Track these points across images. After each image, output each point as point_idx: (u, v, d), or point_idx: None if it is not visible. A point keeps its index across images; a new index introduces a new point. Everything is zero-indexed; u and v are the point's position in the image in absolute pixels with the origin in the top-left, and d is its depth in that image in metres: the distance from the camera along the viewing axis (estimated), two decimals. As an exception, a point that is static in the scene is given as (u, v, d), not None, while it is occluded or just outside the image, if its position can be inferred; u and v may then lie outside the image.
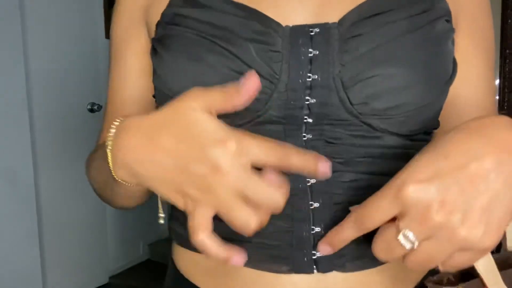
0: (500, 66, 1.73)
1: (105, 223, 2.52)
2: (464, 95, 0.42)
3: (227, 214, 0.29)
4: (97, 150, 0.43)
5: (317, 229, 0.38)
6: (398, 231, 0.28)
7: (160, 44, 0.40)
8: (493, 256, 0.33)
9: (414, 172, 0.28)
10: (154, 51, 0.41)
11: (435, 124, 0.43)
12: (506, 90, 1.73)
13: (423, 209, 0.27)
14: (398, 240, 0.28)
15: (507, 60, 1.72)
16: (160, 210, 0.38)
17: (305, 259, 0.38)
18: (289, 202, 0.36)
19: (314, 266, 0.38)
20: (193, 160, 0.28)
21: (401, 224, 0.28)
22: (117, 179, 0.33)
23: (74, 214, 2.29)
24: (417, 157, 0.29)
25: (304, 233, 0.38)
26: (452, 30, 0.40)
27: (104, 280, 2.49)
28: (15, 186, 1.91)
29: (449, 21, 0.40)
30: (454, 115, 0.43)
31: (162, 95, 0.40)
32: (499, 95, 1.74)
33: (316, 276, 0.38)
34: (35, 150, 2.07)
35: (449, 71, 0.39)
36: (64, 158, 2.23)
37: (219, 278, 0.41)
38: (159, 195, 0.33)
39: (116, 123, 0.33)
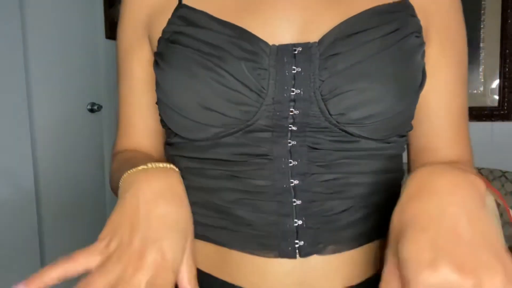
0: (500, 66, 1.73)
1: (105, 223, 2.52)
2: (434, 100, 0.47)
3: None
4: (120, 167, 0.47)
5: (299, 222, 0.43)
6: None
7: (161, 58, 0.45)
8: None
9: (415, 274, 0.28)
10: (156, 64, 0.46)
11: (408, 127, 0.48)
12: (506, 90, 1.73)
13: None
14: None
15: (507, 60, 1.71)
16: None
17: (289, 248, 0.43)
18: (275, 200, 0.43)
19: (297, 251, 0.43)
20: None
21: None
22: None
23: (74, 214, 2.29)
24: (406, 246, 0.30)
25: (288, 225, 0.43)
26: (422, 44, 0.45)
27: (104, 280, 2.49)
28: (15, 186, 1.91)
29: (419, 36, 0.44)
30: (425, 118, 0.48)
31: (164, 106, 0.45)
32: (499, 95, 1.74)
33: (298, 260, 0.43)
34: (35, 150, 2.07)
35: (418, 82, 0.44)
36: (64, 158, 2.23)
37: (217, 262, 0.46)
38: None
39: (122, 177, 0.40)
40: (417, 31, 0.44)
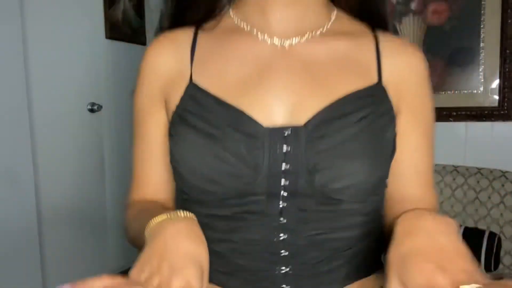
0: (500, 66, 1.73)
1: (105, 223, 2.52)
2: (406, 160, 0.55)
3: None
4: (137, 216, 0.55)
5: (286, 269, 0.52)
6: None
7: (175, 132, 0.53)
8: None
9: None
10: (170, 135, 0.54)
11: (382, 187, 0.56)
12: (506, 90, 1.73)
13: None
14: None
15: (507, 60, 1.71)
16: None
17: None
18: (267, 251, 0.51)
19: None
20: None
21: None
22: None
23: (74, 214, 2.30)
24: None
25: (277, 271, 0.52)
26: (392, 120, 0.54)
27: (104, 280, 2.49)
28: (15, 186, 1.91)
29: (390, 113, 0.53)
30: (400, 175, 0.56)
31: (176, 171, 0.54)
32: (499, 95, 1.74)
33: None
34: (35, 150, 2.07)
35: (390, 152, 0.53)
36: (64, 158, 2.23)
37: None
38: None
39: (151, 223, 0.44)
40: (389, 110, 0.53)
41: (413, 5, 1.90)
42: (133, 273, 0.40)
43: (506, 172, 1.68)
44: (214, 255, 0.51)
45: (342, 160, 0.49)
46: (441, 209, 1.75)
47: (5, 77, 1.86)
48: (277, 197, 0.50)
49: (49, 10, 2.12)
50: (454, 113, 1.84)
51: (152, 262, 0.39)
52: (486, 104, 1.78)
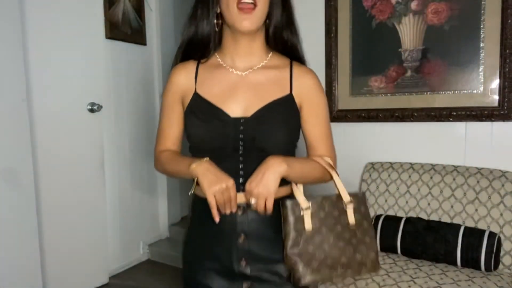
0: (500, 66, 1.72)
1: (105, 223, 2.52)
2: (309, 132, 1.02)
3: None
4: (171, 159, 1.03)
5: (242, 188, 0.95)
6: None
7: (187, 118, 1.00)
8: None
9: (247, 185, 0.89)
10: (185, 119, 1.01)
11: (293, 146, 1.01)
12: (506, 90, 1.72)
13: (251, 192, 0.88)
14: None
15: (507, 60, 1.71)
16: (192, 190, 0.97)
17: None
18: (232, 173, 0.91)
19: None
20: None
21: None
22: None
23: (74, 214, 2.30)
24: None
25: (237, 183, 0.94)
26: (297, 113, 1.00)
27: (104, 280, 2.49)
28: (15, 186, 1.91)
29: (295, 108, 0.99)
30: (307, 137, 1.03)
31: (188, 135, 1.00)
32: (499, 95, 1.74)
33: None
34: (35, 150, 2.07)
35: (296, 129, 1.00)
36: (64, 158, 2.23)
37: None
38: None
39: (195, 163, 0.91)
40: (295, 107, 0.99)
41: (413, 5, 1.90)
42: (209, 191, 0.87)
43: (506, 172, 1.68)
44: None
45: (269, 133, 0.94)
46: (441, 209, 1.75)
47: (5, 77, 1.86)
48: (238, 150, 0.95)
49: (49, 10, 2.12)
50: (454, 113, 1.84)
51: (214, 181, 0.87)
52: (486, 104, 1.78)
